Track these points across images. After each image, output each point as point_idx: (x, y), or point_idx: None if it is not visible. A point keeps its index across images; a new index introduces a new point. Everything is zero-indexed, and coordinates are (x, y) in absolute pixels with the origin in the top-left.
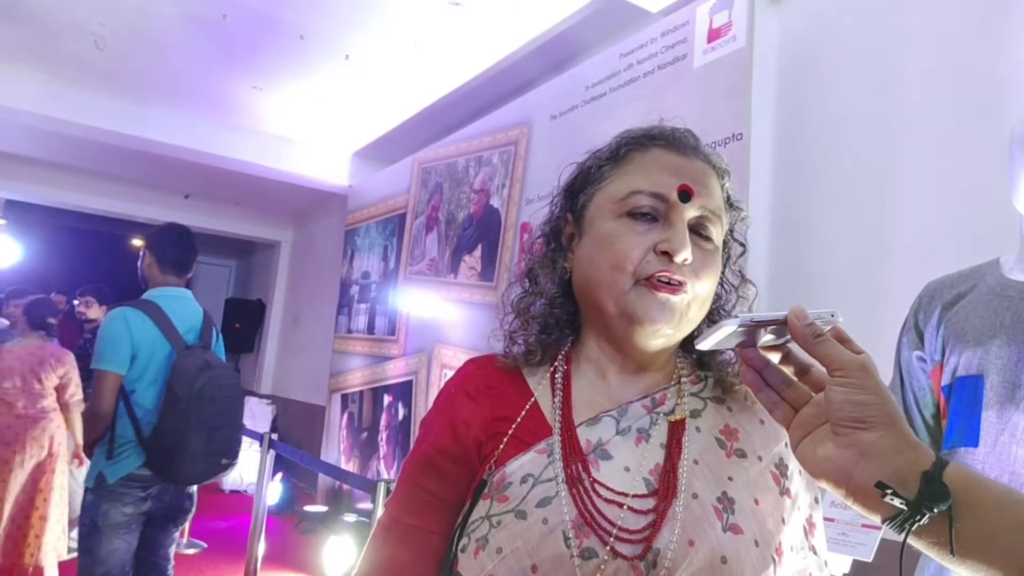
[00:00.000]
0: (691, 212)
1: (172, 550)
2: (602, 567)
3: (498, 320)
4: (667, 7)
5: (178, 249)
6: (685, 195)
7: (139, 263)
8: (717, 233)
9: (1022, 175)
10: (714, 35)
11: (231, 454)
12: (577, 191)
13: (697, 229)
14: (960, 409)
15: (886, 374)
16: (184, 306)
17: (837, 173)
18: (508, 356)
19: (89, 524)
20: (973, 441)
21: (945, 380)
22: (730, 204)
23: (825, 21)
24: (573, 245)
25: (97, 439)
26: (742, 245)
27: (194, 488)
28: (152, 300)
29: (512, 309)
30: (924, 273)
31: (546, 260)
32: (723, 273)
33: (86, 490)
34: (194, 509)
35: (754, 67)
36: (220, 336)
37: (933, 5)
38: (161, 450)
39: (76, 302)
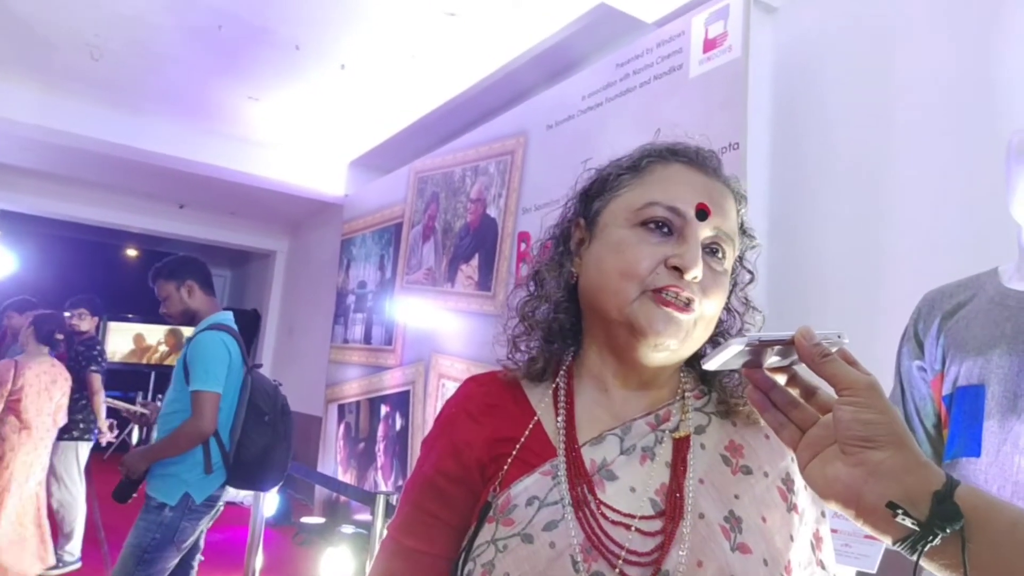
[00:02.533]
0: (705, 231)
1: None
2: None
3: (502, 324)
4: (663, 18)
5: (208, 274)
6: (702, 213)
7: (177, 294)
8: (729, 256)
9: (1019, 185)
10: (710, 45)
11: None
12: (593, 197)
13: (709, 249)
14: (961, 419)
15: (885, 384)
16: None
17: (833, 182)
18: (510, 364)
19: (159, 540)
20: (975, 451)
21: (946, 390)
22: (743, 231)
23: (820, 31)
24: (582, 250)
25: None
26: (751, 273)
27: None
28: (229, 324)
29: (516, 313)
30: (922, 283)
31: (553, 263)
32: (729, 299)
33: (162, 506)
34: None
35: (750, 77)
36: None
37: (928, 14)
38: (248, 462)
39: (68, 314)
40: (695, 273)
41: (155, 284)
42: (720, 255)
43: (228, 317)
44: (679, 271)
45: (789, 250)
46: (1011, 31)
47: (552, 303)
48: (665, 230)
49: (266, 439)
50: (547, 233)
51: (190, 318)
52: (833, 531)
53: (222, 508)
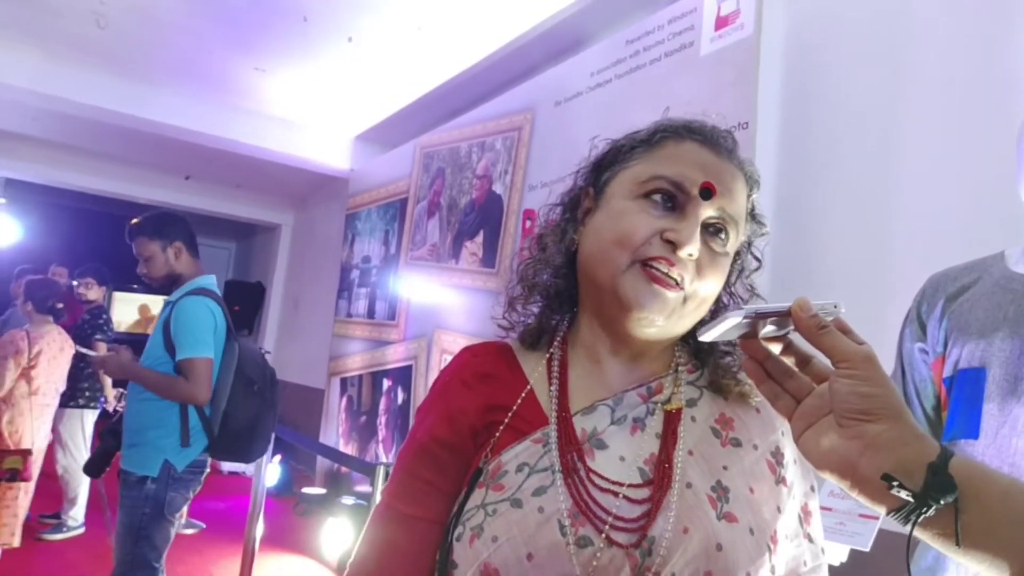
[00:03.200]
0: (708, 211)
1: None
2: (597, 555)
3: (504, 286)
4: None
5: (192, 233)
6: (707, 192)
7: (162, 255)
8: (731, 238)
9: None
10: (722, 23)
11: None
12: (604, 167)
13: (711, 229)
14: (961, 401)
15: (888, 364)
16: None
17: (843, 162)
18: (504, 323)
19: (152, 513)
20: (974, 433)
21: (947, 372)
22: (753, 216)
23: (833, 9)
24: (587, 219)
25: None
26: (758, 260)
27: None
28: (212, 289)
29: (517, 274)
30: (928, 264)
31: (557, 229)
32: (734, 284)
33: (144, 479)
34: None
35: (761, 55)
36: None
37: None
38: (235, 432)
39: (75, 283)
40: (689, 250)
41: (134, 242)
42: (722, 236)
43: (211, 281)
44: (673, 245)
45: (797, 229)
46: None
47: (552, 268)
48: (668, 204)
49: (255, 408)
50: (557, 199)
51: (172, 282)
52: (828, 509)
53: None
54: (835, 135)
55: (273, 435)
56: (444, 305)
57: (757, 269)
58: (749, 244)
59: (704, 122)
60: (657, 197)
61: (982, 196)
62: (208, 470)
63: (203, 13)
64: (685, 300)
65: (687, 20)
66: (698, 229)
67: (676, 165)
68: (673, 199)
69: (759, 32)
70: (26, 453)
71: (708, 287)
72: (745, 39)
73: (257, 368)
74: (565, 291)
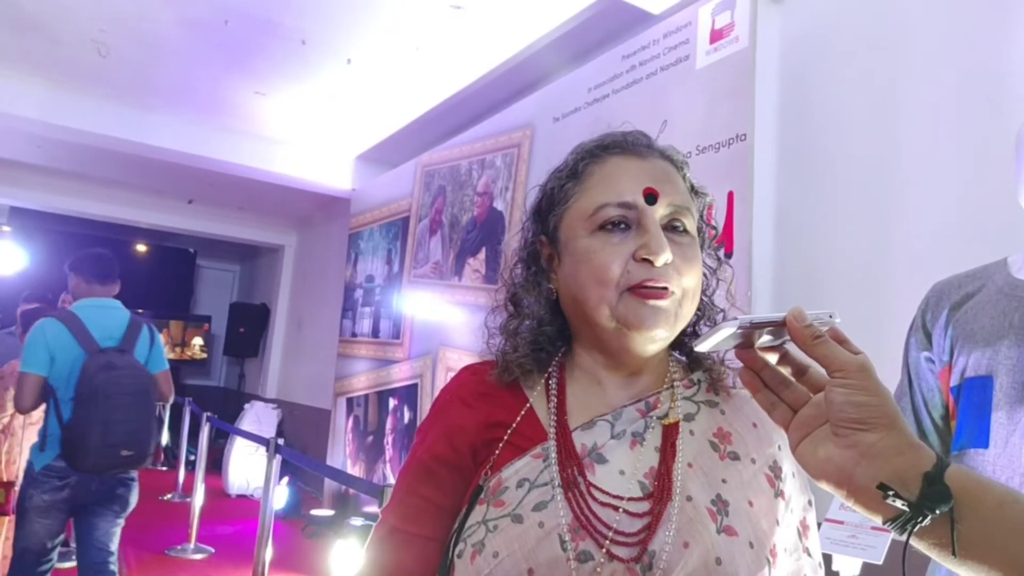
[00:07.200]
0: (661, 211)
1: (111, 539)
2: (598, 569)
3: (484, 343)
4: (669, 8)
5: (95, 264)
6: (651, 197)
7: (71, 286)
8: (690, 225)
9: None
10: (716, 36)
11: (134, 447)
12: (546, 213)
13: (671, 226)
14: (969, 410)
15: (892, 373)
16: (106, 314)
17: (841, 173)
18: (504, 372)
19: (23, 506)
20: (983, 442)
21: (954, 381)
22: (695, 192)
23: (828, 20)
24: (554, 266)
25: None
26: (713, 228)
27: (133, 477)
28: (71, 311)
29: (500, 332)
30: (930, 273)
31: (530, 285)
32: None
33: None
34: (133, 499)
35: (757, 67)
36: (155, 340)
37: (936, 4)
38: (70, 442)
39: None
40: (664, 258)
41: None
42: (682, 228)
43: (83, 304)
44: (649, 261)
45: (797, 241)
46: (1020, 21)
47: (536, 320)
48: (623, 226)
49: (81, 421)
50: (514, 257)
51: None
52: (839, 523)
53: (74, 483)
54: (833, 145)
55: (119, 451)
56: (448, 322)
57: (715, 236)
58: (701, 216)
59: (614, 133)
60: (611, 225)
61: (982, 204)
62: (72, 478)
63: (202, 39)
64: (680, 303)
65: (682, 34)
66: (663, 235)
67: (612, 187)
68: (625, 219)
69: (754, 44)
70: (9, 486)
71: (691, 280)
72: (740, 51)
73: (85, 383)
74: (554, 334)
